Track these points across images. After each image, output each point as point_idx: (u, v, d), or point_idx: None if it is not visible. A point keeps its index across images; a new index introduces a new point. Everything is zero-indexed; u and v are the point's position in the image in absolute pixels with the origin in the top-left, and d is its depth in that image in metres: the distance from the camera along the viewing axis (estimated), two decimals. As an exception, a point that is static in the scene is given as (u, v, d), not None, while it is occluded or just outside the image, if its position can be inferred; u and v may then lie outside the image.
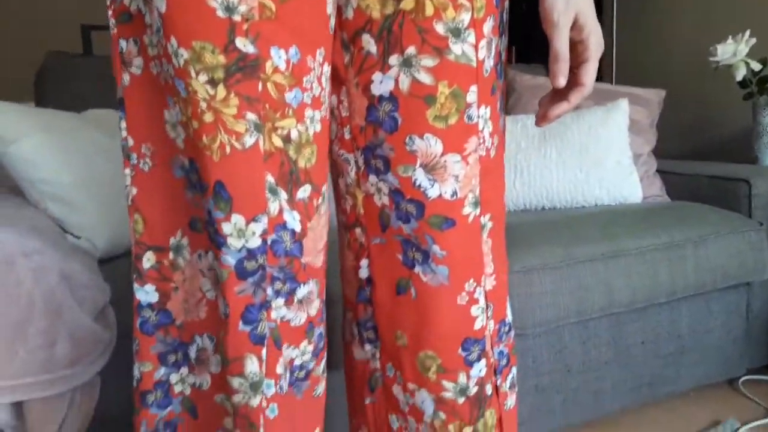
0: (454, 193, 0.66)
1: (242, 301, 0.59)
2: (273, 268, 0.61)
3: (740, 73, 1.83)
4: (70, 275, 0.87)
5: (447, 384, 0.68)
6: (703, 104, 2.30)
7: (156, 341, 0.66)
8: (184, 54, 0.55)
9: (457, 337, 0.68)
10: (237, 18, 0.55)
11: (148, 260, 0.64)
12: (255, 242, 0.59)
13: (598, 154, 1.63)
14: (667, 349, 1.43)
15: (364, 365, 0.75)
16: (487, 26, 0.65)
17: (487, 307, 0.70)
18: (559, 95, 0.67)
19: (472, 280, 0.67)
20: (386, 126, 0.65)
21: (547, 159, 1.65)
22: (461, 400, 0.69)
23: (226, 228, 0.58)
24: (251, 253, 0.59)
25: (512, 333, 0.74)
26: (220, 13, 0.55)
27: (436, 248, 0.66)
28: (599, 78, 2.60)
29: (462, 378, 0.68)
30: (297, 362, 0.65)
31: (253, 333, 0.60)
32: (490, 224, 0.69)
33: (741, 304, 1.51)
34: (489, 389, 0.70)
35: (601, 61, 2.32)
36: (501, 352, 0.72)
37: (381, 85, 0.65)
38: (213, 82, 0.56)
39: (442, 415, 0.69)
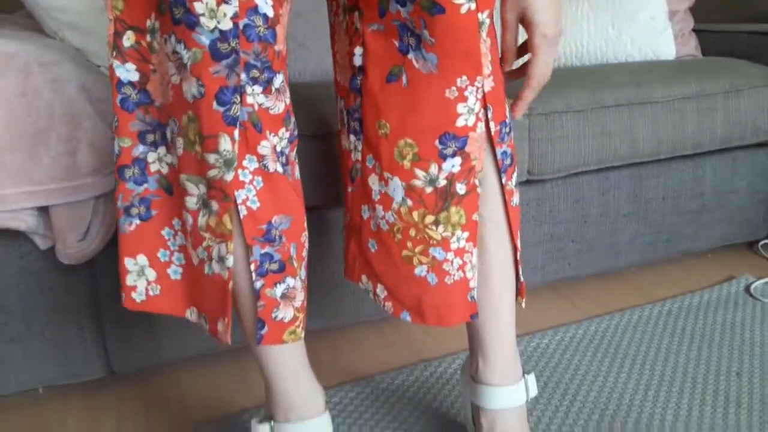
0: None
1: (216, 82, 0.60)
2: (247, 54, 0.61)
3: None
4: (90, 88, 0.88)
5: (419, 172, 0.70)
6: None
7: (135, 119, 0.67)
8: None
9: (437, 128, 0.68)
10: None
11: (128, 39, 0.65)
12: (227, 24, 0.59)
13: (631, 9, 1.55)
14: (688, 207, 1.41)
15: (348, 155, 0.77)
16: None
17: (484, 107, 0.69)
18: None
19: (465, 77, 0.66)
20: None
21: (579, 13, 1.57)
22: (429, 189, 0.70)
23: (198, 7, 0.58)
24: (224, 35, 0.59)
25: (512, 133, 0.75)
26: None
27: (426, 33, 0.65)
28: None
29: (433, 168, 0.70)
30: (278, 148, 0.67)
31: (226, 114, 0.61)
32: (488, 21, 0.66)
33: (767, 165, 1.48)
34: (461, 188, 0.70)
35: None
36: (504, 152, 0.73)
37: None
38: None
39: (409, 202, 0.71)
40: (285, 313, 0.68)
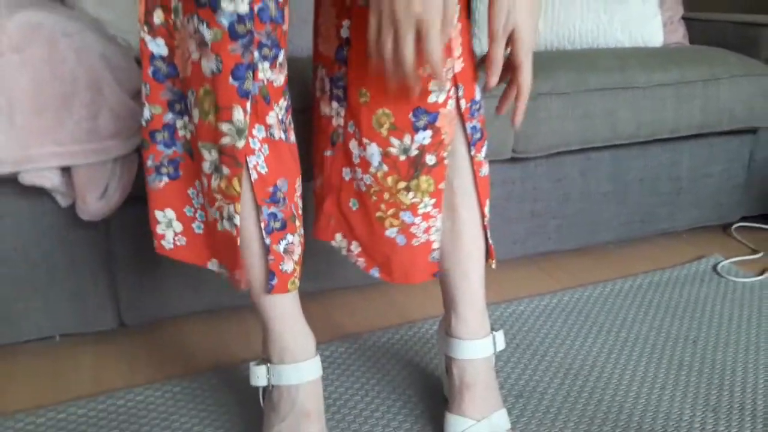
0: None
1: (233, 59, 0.68)
2: (260, 34, 0.69)
3: None
4: (110, 57, 0.96)
5: (394, 141, 0.78)
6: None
7: (165, 89, 0.75)
8: None
9: (411, 102, 0.76)
10: None
11: (158, 17, 0.72)
12: (244, 8, 0.66)
13: (623, -5, 1.62)
14: (664, 189, 1.50)
15: (328, 120, 0.84)
16: None
17: (456, 87, 0.77)
18: (510, 90, 0.77)
19: None
20: None
21: (571, -1, 1.64)
22: (402, 157, 0.79)
23: None
24: (241, 18, 0.66)
25: (482, 110, 0.83)
26: None
27: None
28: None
29: (407, 139, 0.78)
30: (279, 116, 0.75)
31: (240, 88, 0.69)
32: (458, 6, 0.73)
33: (744, 152, 1.56)
34: (431, 159, 0.78)
35: None
36: (474, 127, 0.81)
37: None
38: None
39: (385, 167, 0.80)
40: (287, 265, 0.77)
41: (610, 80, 1.31)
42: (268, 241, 0.75)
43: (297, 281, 0.79)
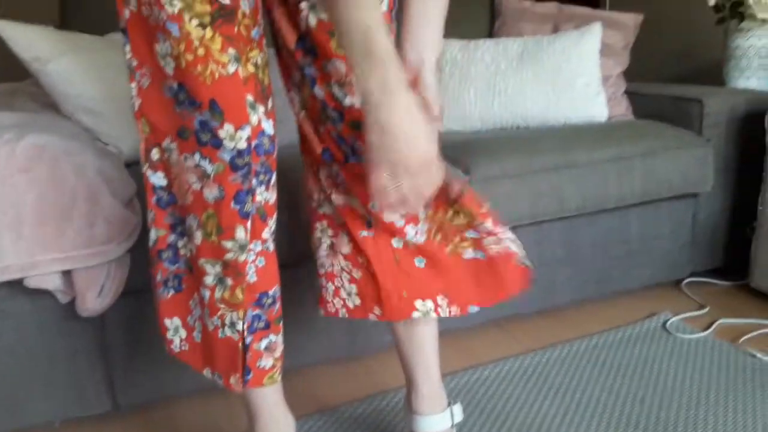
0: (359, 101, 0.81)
1: (234, 187, 0.80)
2: (256, 164, 0.82)
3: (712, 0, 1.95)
4: (105, 171, 1.08)
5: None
6: (681, 29, 2.40)
7: (167, 214, 0.88)
8: (178, 4, 0.73)
9: None
10: None
11: (156, 154, 0.85)
12: (242, 145, 0.79)
13: (569, 76, 1.78)
14: (615, 252, 1.64)
15: (353, 209, 0.92)
16: None
17: None
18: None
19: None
20: (309, 53, 0.84)
21: (523, 80, 1.80)
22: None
23: (222, 133, 0.78)
24: (240, 153, 0.79)
25: None
26: None
27: (359, 145, 0.85)
28: (591, 3, 2.69)
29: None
30: (273, 228, 0.88)
31: (241, 210, 0.82)
32: None
33: (687, 214, 1.71)
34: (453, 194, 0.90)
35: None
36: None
37: (302, 22, 0.83)
38: (202, 26, 0.74)
39: (429, 211, 0.90)
40: (266, 362, 0.88)
41: (553, 161, 1.46)
42: (248, 340, 0.86)
43: (277, 376, 0.90)
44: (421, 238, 0.91)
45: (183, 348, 0.92)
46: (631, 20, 1.98)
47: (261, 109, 0.80)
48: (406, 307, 0.92)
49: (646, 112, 1.86)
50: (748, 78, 1.95)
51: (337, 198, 0.93)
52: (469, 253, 0.92)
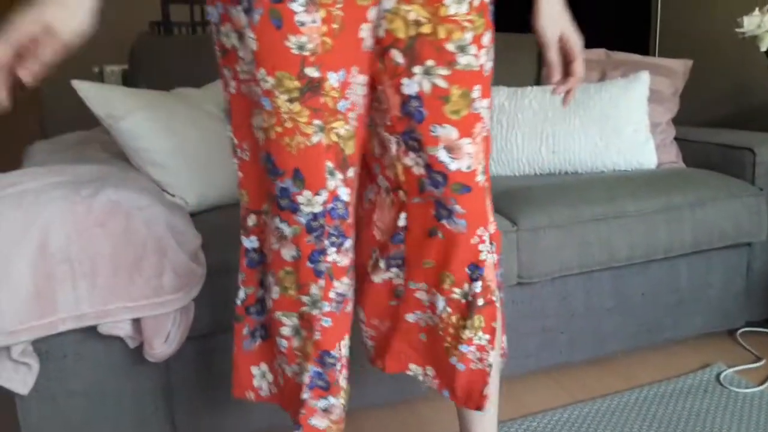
0: (469, 166, 0.89)
1: (309, 247, 0.87)
2: (330, 227, 0.88)
3: (765, 44, 1.94)
4: (173, 224, 1.16)
5: (456, 290, 0.94)
6: (732, 73, 2.39)
7: (257, 272, 0.95)
8: (270, 80, 0.80)
9: (467, 262, 0.93)
10: (306, 53, 0.80)
11: (252, 220, 0.93)
12: (318, 209, 0.86)
13: (617, 123, 1.80)
14: (666, 300, 1.62)
15: (388, 283, 1.00)
16: (486, 38, 0.88)
17: (491, 244, 0.94)
18: (567, 80, 0.96)
19: (482, 228, 0.92)
20: (415, 118, 0.89)
21: (570, 127, 1.83)
22: (463, 301, 0.94)
23: (300, 199, 0.85)
24: (315, 216, 0.86)
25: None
26: (294, 51, 0.79)
27: (457, 207, 0.90)
28: (640, 50, 2.70)
29: (466, 287, 0.93)
30: (340, 290, 0.92)
31: (315, 269, 0.88)
32: (487, 185, 0.93)
33: (741, 263, 1.69)
34: (480, 302, 0.94)
35: (644, 32, 2.47)
36: (501, 273, 0.99)
37: (407, 87, 0.88)
38: (291, 100, 0.81)
39: (449, 309, 0.95)
40: (320, 422, 0.93)
41: (602, 211, 1.47)
42: (306, 395, 0.91)
43: None
44: (430, 322, 0.98)
45: (272, 391, 0.99)
46: (681, 66, 1.99)
47: (339, 176, 0.86)
48: (402, 365, 1.02)
49: (697, 159, 1.86)
50: (802, 123, 1.92)
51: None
52: (453, 360, 0.97)
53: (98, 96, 1.37)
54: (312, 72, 0.81)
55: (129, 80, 1.84)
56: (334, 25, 0.81)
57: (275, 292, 0.92)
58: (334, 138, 0.85)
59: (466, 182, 0.90)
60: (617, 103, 1.81)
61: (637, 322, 1.61)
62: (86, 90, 1.36)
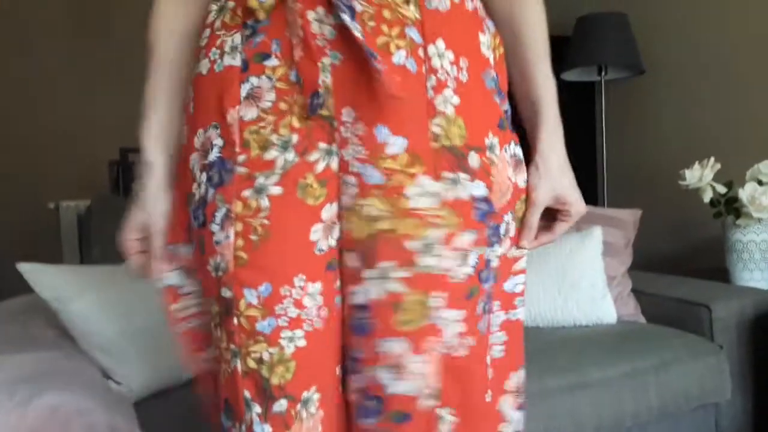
0: (416, 389, 0.75)
1: None
2: None
3: (707, 196, 2.03)
4: (115, 427, 1.08)
5: None
6: (679, 223, 2.50)
7: None
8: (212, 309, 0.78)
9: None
10: (220, 274, 0.76)
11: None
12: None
13: (573, 278, 1.81)
14: (638, 465, 1.57)
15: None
16: (463, 239, 0.74)
17: None
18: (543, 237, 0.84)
19: None
20: (357, 331, 0.77)
21: (529, 282, 1.83)
22: None
23: (226, 423, 0.79)
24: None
25: None
26: (213, 274, 0.76)
27: None
28: (589, 198, 2.81)
29: None
30: None
31: None
32: (450, 418, 0.77)
33: (709, 423, 1.66)
34: None
35: (591, 182, 2.56)
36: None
37: (354, 296, 0.77)
38: (215, 326, 0.78)
39: None
40: None
41: (567, 380, 1.45)
42: None
43: None
44: None
45: None
46: (631, 217, 2.05)
47: (257, 409, 0.77)
48: None
49: (655, 312, 1.86)
50: (752, 271, 1.97)
51: None
52: None
53: (45, 279, 1.32)
54: (225, 292, 0.76)
55: (83, 241, 1.81)
56: (253, 237, 0.74)
57: None
58: (252, 364, 0.75)
59: (404, 409, 0.75)
60: (573, 258, 1.84)
61: (610, 493, 1.54)
62: (31, 272, 1.32)
